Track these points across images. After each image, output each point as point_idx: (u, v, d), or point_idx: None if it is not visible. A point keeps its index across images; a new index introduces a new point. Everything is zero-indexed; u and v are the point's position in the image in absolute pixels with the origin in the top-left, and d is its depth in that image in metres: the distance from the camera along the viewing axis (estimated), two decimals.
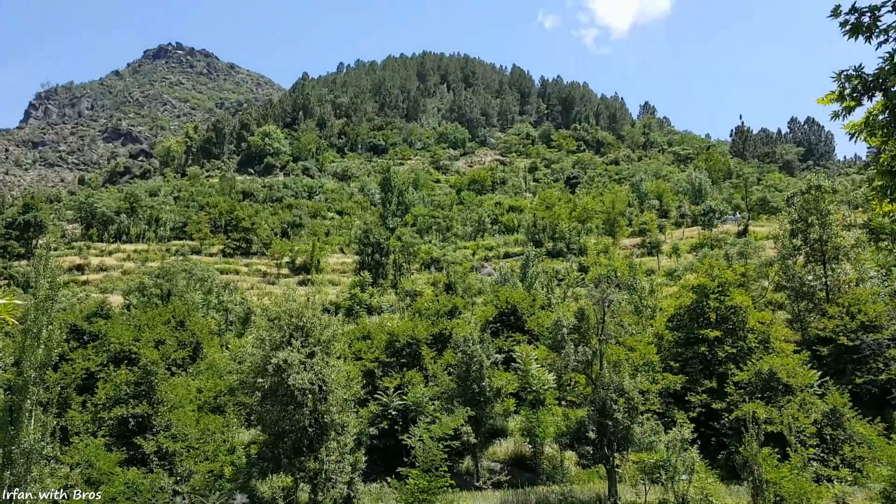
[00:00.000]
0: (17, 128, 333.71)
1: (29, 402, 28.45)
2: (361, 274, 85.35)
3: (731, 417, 35.26)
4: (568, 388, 37.62)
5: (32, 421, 28.36)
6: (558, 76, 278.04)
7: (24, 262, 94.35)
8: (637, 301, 52.22)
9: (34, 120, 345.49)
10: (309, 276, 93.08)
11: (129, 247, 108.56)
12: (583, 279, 73.48)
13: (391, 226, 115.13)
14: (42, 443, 28.11)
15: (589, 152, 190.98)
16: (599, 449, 32.56)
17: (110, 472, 30.33)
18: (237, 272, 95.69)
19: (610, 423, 31.53)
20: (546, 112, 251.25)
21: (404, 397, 37.75)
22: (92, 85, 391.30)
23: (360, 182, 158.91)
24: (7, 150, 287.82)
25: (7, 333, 40.40)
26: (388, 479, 31.06)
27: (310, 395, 29.00)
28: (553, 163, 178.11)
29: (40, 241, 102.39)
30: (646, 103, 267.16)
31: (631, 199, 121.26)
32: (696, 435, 32.61)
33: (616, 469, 32.60)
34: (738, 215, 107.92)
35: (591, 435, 33.40)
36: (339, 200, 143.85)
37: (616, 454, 32.67)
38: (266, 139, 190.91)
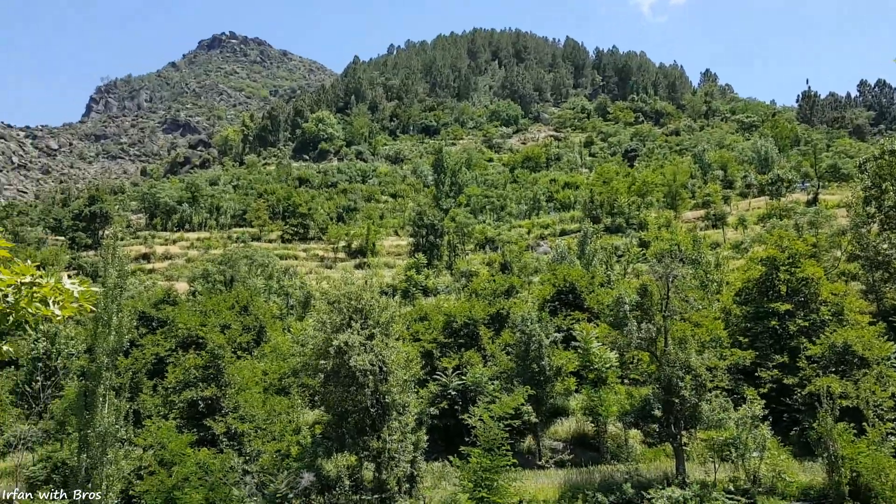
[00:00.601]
0: (80, 122, 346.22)
1: (102, 387, 29.47)
2: (416, 256, 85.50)
3: (803, 392, 33.90)
4: (631, 366, 36.78)
5: (106, 405, 29.37)
6: (614, 46, 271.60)
7: (91, 253, 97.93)
8: (702, 275, 50.66)
9: (95, 114, 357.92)
10: (365, 260, 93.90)
11: (192, 235, 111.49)
12: (644, 255, 71.80)
13: (445, 207, 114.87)
14: (116, 426, 29.12)
15: (647, 123, 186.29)
16: (666, 427, 31.81)
17: (182, 452, 31.19)
18: (296, 257, 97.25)
19: (676, 400, 30.74)
20: (601, 84, 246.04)
21: (463, 377, 37.62)
22: (150, 77, 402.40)
23: (413, 164, 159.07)
24: (71, 144, 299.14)
25: (78, 322, 42.00)
26: (450, 458, 31.05)
27: (371, 376, 29.12)
28: (610, 136, 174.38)
29: (107, 232, 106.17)
30: (706, 71, 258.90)
31: (693, 171, 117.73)
32: (767, 411, 31.66)
33: (684, 447, 31.84)
34: (807, 184, 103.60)
35: (657, 413, 32.64)
36: (393, 183, 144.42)
37: (683, 432, 31.91)
38: (320, 125, 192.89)
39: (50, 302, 5.16)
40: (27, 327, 5.18)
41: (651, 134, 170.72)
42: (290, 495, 30.42)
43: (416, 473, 31.11)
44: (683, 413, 31.24)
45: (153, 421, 35.60)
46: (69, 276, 5.37)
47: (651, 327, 31.88)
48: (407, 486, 30.74)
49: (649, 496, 28.95)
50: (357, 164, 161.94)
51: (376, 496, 29.29)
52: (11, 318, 5.08)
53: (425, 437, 32.05)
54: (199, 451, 31.92)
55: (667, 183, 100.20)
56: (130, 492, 31.50)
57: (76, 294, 5.32)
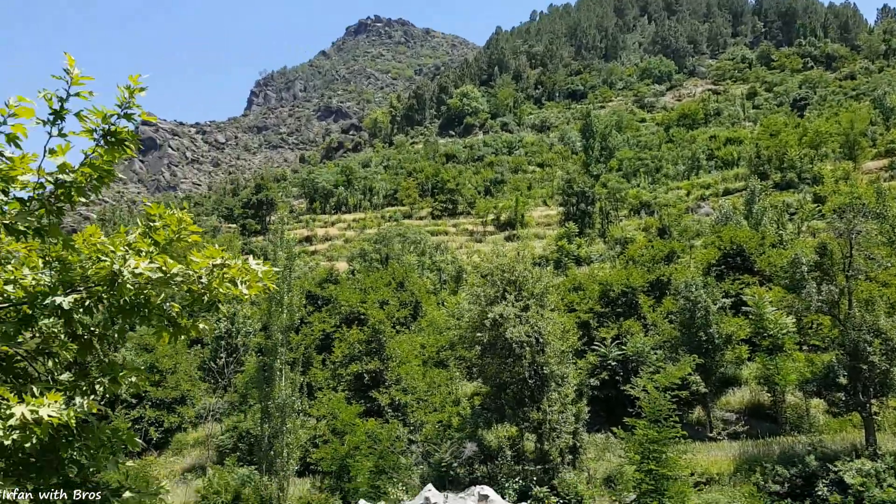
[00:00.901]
0: (243, 115, 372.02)
1: (279, 361, 31.67)
2: (567, 225, 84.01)
3: None
4: (810, 331, 34.02)
5: (283, 378, 31.55)
6: None
7: (260, 238, 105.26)
8: (889, 231, 45.58)
9: (256, 106, 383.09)
10: (514, 232, 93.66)
11: (348, 216, 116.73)
12: (820, 211, 65.86)
13: (595, 173, 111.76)
14: (293, 398, 31.22)
15: (818, 69, 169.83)
16: (853, 395, 29.22)
17: (352, 423, 32.91)
18: (446, 233, 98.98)
19: (864, 367, 28.12)
20: (763, 31, 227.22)
21: (623, 347, 36.59)
22: (303, 67, 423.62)
23: (560, 131, 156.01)
24: (237, 137, 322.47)
25: (253, 302, 45.31)
26: (614, 430, 30.38)
27: (527, 348, 29.02)
28: (775, 85, 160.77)
29: (273, 218, 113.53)
30: (884, 6, 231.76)
31: (873, 117, 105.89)
32: None
33: (874, 417, 29.10)
34: None
35: (842, 381, 29.99)
36: (540, 152, 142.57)
37: (873, 400, 29.20)
38: (464, 99, 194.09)
39: (238, 282, 5.38)
40: (219, 306, 5.43)
41: (822, 80, 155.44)
42: (455, 464, 31.19)
43: (578, 445, 30.79)
44: (873, 380, 28.51)
45: (324, 393, 37.89)
46: (253, 258, 5.57)
47: (832, 289, 29.25)
48: (570, 457, 30.50)
49: (836, 469, 26.78)
50: (502, 136, 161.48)
51: (539, 467, 29.31)
52: (206, 298, 5.34)
53: (586, 409, 31.59)
54: (367, 421, 33.52)
55: (843, 132, 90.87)
56: (308, 459, 33.77)
57: (260, 274, 5.51)
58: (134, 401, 41.09)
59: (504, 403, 31.27)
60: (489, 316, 29.61)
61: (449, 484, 29.86)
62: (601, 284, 42.99)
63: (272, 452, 29.95)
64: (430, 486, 23.91)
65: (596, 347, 37.36)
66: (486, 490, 22.96)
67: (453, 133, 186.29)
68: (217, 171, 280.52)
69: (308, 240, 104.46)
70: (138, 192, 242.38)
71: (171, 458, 40.09)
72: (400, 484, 30.46)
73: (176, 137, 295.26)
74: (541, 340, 29.70)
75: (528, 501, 25.98)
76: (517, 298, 30.80)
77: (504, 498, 25.00)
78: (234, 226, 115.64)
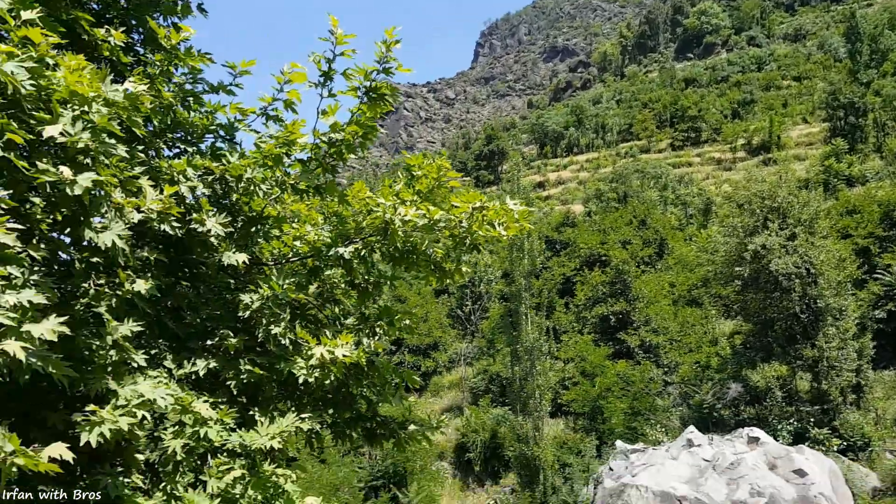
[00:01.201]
0: (470, 68, 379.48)
1: (523, 306, 32.39)
2: (833, 142, 74.21)
3: None
4: None
5: (529, 322, 32.25)
6: None
7: (493, 188, 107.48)
8: None
9: (482, 57, 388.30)
10: (769, 155, 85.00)
11: (580, 157, 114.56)
12: None
13: (865, 80, 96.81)
14: (540, 341, 31.84)
15: None
16: None
17: (602, 365, 32.81)
18: (689, 164, 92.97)
19: None
20: None
21: None
22: (526, 10, 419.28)
23: (818, 38, 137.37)
24: (465, 91, 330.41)
25: (490, 251, 46.61)
26: None
27: (797, 280, 26.37)
28: None
29: (504, 167, 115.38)
30: None
31: None
32: None
33: None
34: None
35: None
36: (795, 65, 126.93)
37: None
38: (702, 17, 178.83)
39: (496, 224, 5.39)
40: (480, 248, 5.51)
41: None
42: (718, 406, 29.77)
43: (863, 383, 27.62)
44: None
45: (569, 336, 38.13)
46: (510, 198, 5.54)
47: None
48: (853, 396, 27.49)
49: None
50: (749, 52, 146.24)
51: (816, 407, 26.81)
52: (468, 241, 5.43)
53: (871, 344, 28.09)
54: (616, 363, 33.17)
55: None
56: (559, 400, 34.41)
57: (516, 214, 5.47)
58: (393, 348, 44.76)
59: (771, 341, 28.96)
60: (749, 248, 27.33)
61: (712, 426, 28.63)
62: (882, 205, 37.54)
63: (524, 393, 30.89)
64: (691, 427, 23.07)
65: (879, 276, 32.87)
66: (756, 432, 21.54)
67: (692, 56, 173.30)
68: (449, 128, 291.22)
69: (541, 185, 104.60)
70: (380, 156, 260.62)
71: (429, 399, 43.21)
72: (658, 426, 29.86)
73: (410, 99, 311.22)
74: (812, 271, 26.80)
75: (806, 443, 23.89)
76: (781, 227, 28.01)
77: (777, 440, 23.28)
78: (469, 178, 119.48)
